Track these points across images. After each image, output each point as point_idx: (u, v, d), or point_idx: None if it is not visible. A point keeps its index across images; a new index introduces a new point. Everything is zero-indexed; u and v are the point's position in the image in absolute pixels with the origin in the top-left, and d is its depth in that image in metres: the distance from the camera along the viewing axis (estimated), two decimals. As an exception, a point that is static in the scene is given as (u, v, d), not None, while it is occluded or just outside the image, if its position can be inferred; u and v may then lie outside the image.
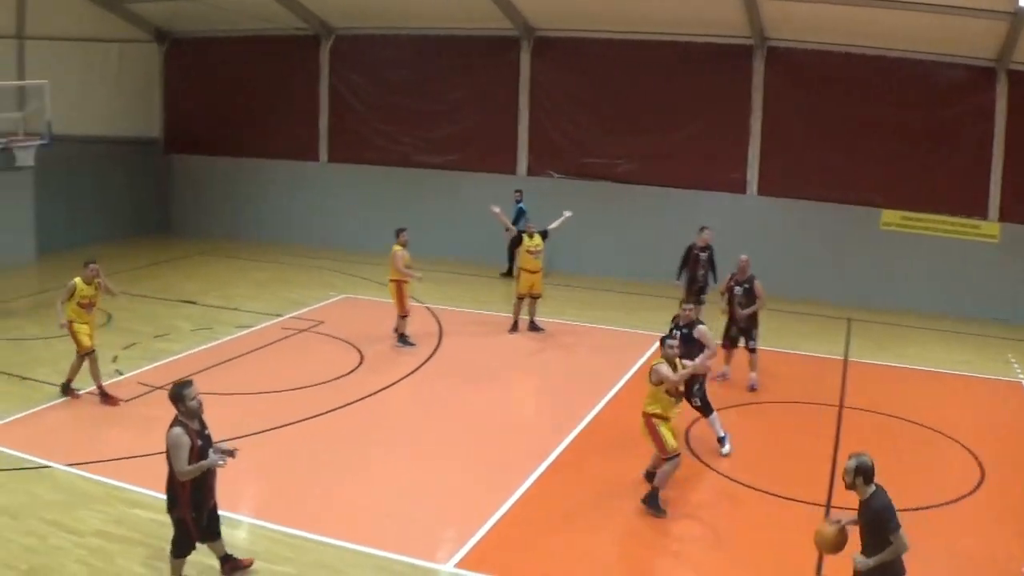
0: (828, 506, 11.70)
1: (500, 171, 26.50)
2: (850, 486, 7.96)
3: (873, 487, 7.91)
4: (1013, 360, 19.37)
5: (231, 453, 8.95)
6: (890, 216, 23.68)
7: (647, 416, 11.39)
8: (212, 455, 8.76)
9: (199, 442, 8.65)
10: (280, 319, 20.05)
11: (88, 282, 14.63)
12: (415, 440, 13.97)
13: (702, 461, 13.20)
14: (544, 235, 19.56)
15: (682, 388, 11.80)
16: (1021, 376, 18.35)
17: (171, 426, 8.62)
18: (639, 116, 25.38)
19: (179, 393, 8.64)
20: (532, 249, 19.36)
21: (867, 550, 7.86)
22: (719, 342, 15.45)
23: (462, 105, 27.02)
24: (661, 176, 25.15)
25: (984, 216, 23.18)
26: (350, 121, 28.25)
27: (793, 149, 24.15)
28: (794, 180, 24.19)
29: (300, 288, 23.01)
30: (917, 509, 11.57)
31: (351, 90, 28.19)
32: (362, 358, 17.54)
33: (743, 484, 12.40)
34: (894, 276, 23.63)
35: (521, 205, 24.80)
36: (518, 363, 18.04)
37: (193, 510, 8.82)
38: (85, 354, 14.56)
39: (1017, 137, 22.68)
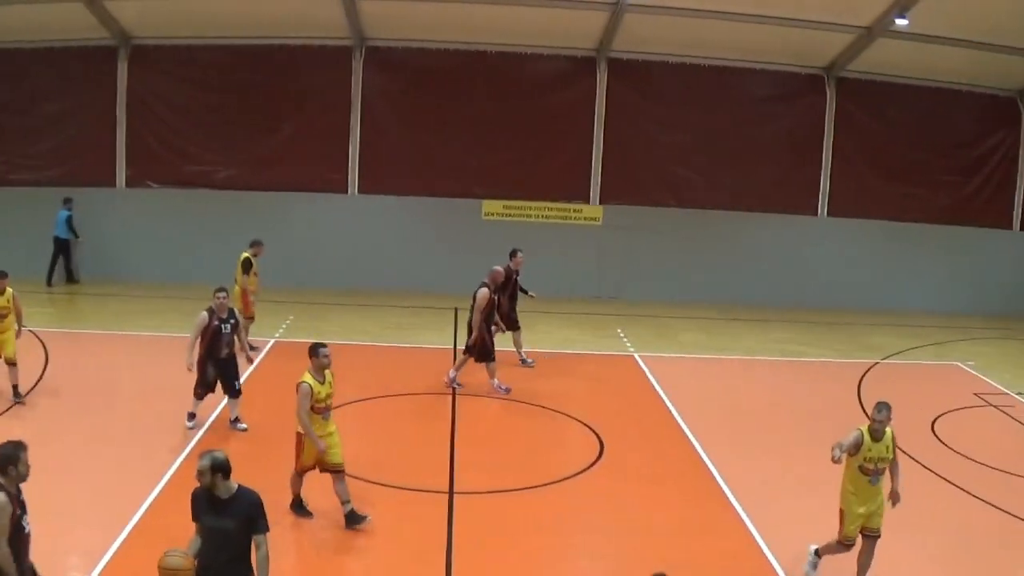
0: (451, 492, 11.68)
1: (100, 184, 24.41)
2: (210, 486, 7.21)
3: (236, 484, 7.31)
4: (622, 334, 20.60)
5: None
6: (491, 206, 24.26)
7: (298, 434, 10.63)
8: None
9: (18, 511, 7.00)
10: None
11: None
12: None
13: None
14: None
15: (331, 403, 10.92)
16: (631, 348, 19.47)
17: None
18: (238, 121, 24.32)
19: (13, 455, 6.97)
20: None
21: (230, 550, 7.17)
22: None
23: (59, 119, 24.37)
24: (264, 181, 24.23)
25: (587, 200, 24.26)
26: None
27: (394, 146, 24.19)
28: (395, 177, 24.26)
29: None
30: (545, 485, 11.95)
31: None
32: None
33: (370, 481, 11.78)
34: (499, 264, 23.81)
35: (65, 211, 23.52)
36: (145, 380, 16.43)
37: None
38: None
39: (615, 122, 24.11)
